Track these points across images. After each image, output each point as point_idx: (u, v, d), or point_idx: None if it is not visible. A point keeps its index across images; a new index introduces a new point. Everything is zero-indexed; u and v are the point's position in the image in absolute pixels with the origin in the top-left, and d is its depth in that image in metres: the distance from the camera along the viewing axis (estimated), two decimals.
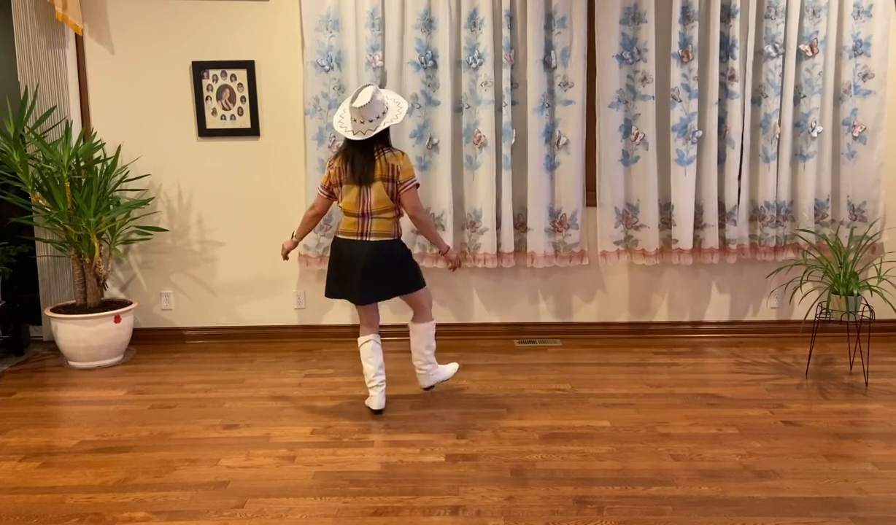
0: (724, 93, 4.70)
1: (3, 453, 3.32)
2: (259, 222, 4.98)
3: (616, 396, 3.92)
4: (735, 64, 4.64)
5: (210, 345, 5.03)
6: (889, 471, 3.02)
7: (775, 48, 4.64)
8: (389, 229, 3.60)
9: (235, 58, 4.83)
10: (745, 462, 3.11)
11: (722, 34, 4.66)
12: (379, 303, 3.83)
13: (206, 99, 4.85)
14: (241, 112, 4.87)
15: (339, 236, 3.64)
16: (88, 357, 4.54)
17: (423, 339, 3.82)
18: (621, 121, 4.78)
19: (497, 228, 4.80)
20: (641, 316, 5.08)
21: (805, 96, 4.71)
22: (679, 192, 4.74)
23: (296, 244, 3.83)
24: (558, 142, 4.79)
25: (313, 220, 3.78)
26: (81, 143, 4.73)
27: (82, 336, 4.49)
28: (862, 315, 4.06)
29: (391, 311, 5.07)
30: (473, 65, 4.68)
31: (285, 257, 3.86)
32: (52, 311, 4.60)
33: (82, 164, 4.66)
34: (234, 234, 5.01)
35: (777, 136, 4.72)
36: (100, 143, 4.77)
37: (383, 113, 3.54)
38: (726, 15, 4.65)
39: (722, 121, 4.74)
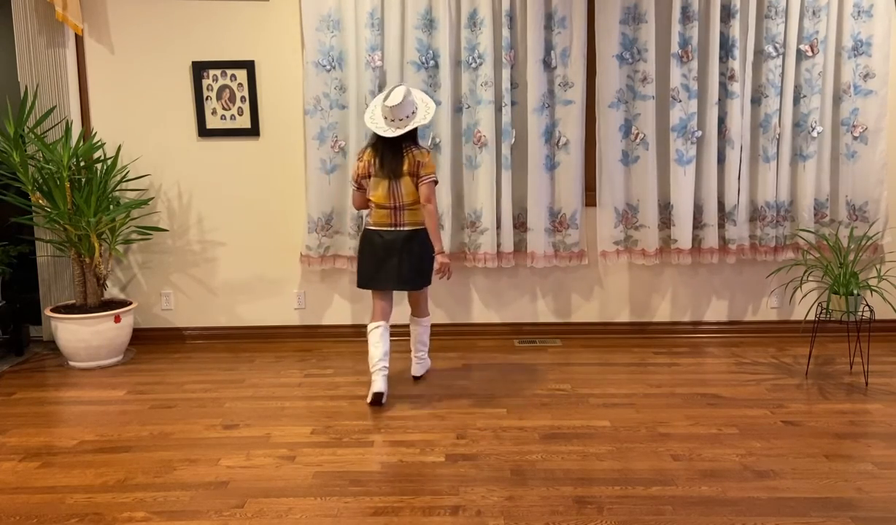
0: (724, 93, 4.70)
1: (3, 453, 3.32)
2: (259, 222, 4.99)
3: (616, 396, 3.92)
4: (735, 64, 4.64)
5: (210, 345, 5.03)
6: (889, 471, 3.02)
7: (775, 48, 4.65)
8: (420, 219, 3.87)
9: (235, 58, 4.83)
10: (745, 462, 3.11)
11: (722, 34, 4.66)
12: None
13: (206, 99, 4.85)
14: (241, 112, 4.87)
15: (372, 227, 3.88)
16: (88, 357, 4.55)
17: (426, 331, 4.19)
18: (621, 121, 4.78)
19: (497, 228, 4.80)
20: (641, 316, 5.08)
21: (805, 96, 4.71)
22: (679, 192, 4.75)
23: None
24: (558, 142, 4.79)
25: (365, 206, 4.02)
26: (81, 143, 4.73)
27: (82, 336, 4.49)
28: (862, 315, 4.06)
29: (394, 310, 5.06)
30: (473, 65, 4.68)
31: None
32: (52, 311, 4.60)
33: (82, 164, 4.66)
34: (234, 234, 5.01)
35: (777, 136, 4.72)
36: (100, 143, 4.77)
37: (413, 112, 3.77)
38: (726, 15, 4.65)
39: (722, 121, 4.74)
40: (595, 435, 3.42)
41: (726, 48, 4.67)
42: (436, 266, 3.90)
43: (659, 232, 4.88)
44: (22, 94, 4.70)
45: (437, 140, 4.73)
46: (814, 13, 4.63)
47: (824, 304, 4.15)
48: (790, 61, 4.66)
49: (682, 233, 4.78)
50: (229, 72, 4.83)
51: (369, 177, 3.85)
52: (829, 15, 4.63)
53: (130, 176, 4.90)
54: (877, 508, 2.72)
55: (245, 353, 4.82)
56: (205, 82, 4.84)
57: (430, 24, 4.68)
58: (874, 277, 4.37)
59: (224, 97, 4.86)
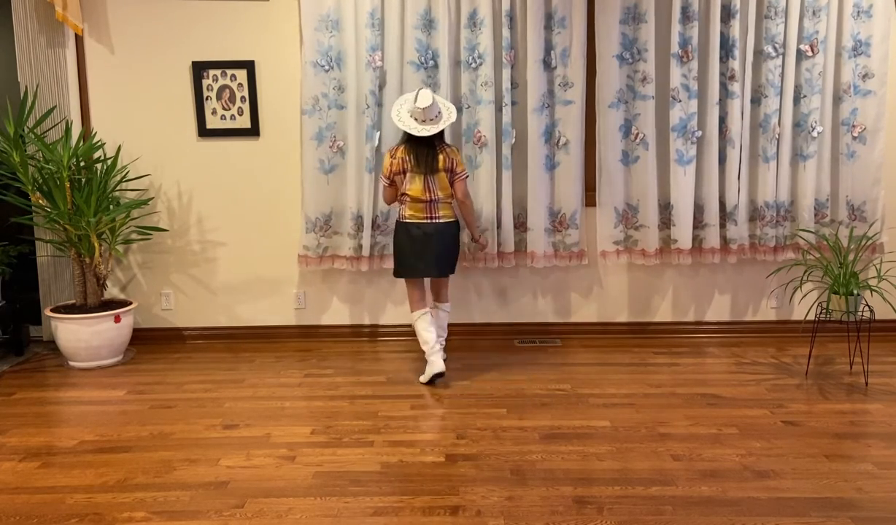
0: (724, 93, 4.70)
1: (3, 453, 3.33)
2: (259, 222, 4.99)
3: (616, 396, 3.92)
4: (735, 64, 4.64)
5: (210, 345, 5.03)
6: (889, 471, 3.02)
7: (775, 48, 4.65)
8: (452, 212, 4.22)
9: (235, 58, 4.83)
10: (745, 462, 3.11)
11: (722, 34, 4.66)
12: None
13: (206, 99, 4.85)
14: (241, 112, 4.87)
15: (407, 220, 4.16)
16: (88, 357, 4.55)
17: (448, 316, 4.45)
18: (621, 121, 4.78)
19: (497, 228, 4.80)
20: (641, 316, 5.08)
21: (805, 96, 4.71)
22: (679, 192, 4.75)
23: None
24: (558, 142, 4.79)
25: (395, 204, 4.36)
26: (81, 143, 4.73)
27: (82, 336, 4.49)
28: (862, 315, 4.06)
29: (392, 310, 5.07)
30: (473, 65, 4.68)
31: None
32: (52, 311, 4.60)
33: (82, 164, 4.66)
34: (234, 234, 5.01)
35: (777, 136, 4.72)
36: (100, 143, 4.77)
37: (439, 113, 4.09)
38: (726, 15, 4.65)
39: (722, 121, 4.74)
40: (595, 435, 3.42)
41: (726, 48, 4.67)
42: (481, 246, 4.48)
43: (659, 232, 4.88)
44: (22, 94, 4.70)
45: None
46: (814, 13, 4.63)
47: (824, 304, 4.15)
48: (790, 61, 4.66)
49: (683, 233, 4.78)
50: (229, 72, 4.83)
51: (403, 173, 4.12)
52: (828, 15, 4.63)
53: (130, 176, 4.90)
54: (877, 508, 2.72)
55: (245, 353, 4.82)
56: (205, 82, 4.84)
57: (429, 24, 4.68)
58: (874, 277, 4.37)
59: (224, 97, 4.86)
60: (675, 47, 4.64)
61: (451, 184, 4.16)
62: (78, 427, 3.62)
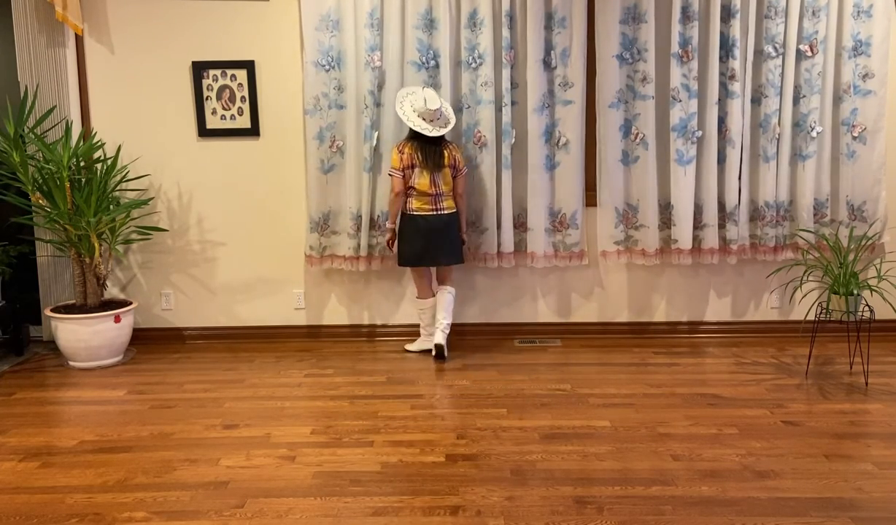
0: (724, 93, 4.70)
1: (3, 453, 3.33)
2: (259, 222, 4.99)
3: (616, 396, 3.92)
4: (735, 64, 4.64)
5: (210, 345, 5.03)
6: (889, 471, 3.02)
7: (775, 48, 4.65)
8: (452, 204, 4.54)
9: (235, 58, 4.83)
10: (745, 462, 3.11)
11: (722, 34, 4.66)
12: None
13: (206, 99, 4.85)
14: (241, 112, 4.87)
15: (415, 212, 4.47)
16: (88, 357, 4.55)
17: (453, 299, 4.68)
18: (621, 121, 4.78)
19: (497, 228, 4.80)
20: (641, 316, 5.08)
21: (805, 96, 4.71)
22: (679, 192, 4.75)
23: (395, 230, 4.60)
24: (558, 142, 4.79)
25: (399, 200, 4.50)
26: (81, 143, 4.73)
27: (82, 336, 4.49)
28: (862, 315, 4.06)
29: (392, 310, 5.07)
30: (473, 65, 4.68)
31: (391, 246, 4.67)
32: (52, 311, 4.60)
33: (82, 164, 4.66)
34: (234, 234, 5.01)
35: (777, 135, 4.72)
36: (100, 143, 4.77)
37: (443, 113, 4.44)
38: (726, 15, 4.65)
39: (722, 121, 4.74)
40: (595, 435, 3.42)
41: (726, 48, 4.67)
42: (462, 240, 4.66)
43: (659, 232, 4.88)
44: (22, 94, 4.71)
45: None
46: (813, 13, 4.63)
47: (824, 304, 4.15)
48: (790, 61, 4.65)
49: (683, 233, 4.78)
50: (229, 72, 4.83)
51: (411, 168, 4.43)
52: (828, 15, 4.63)
53: (130, 176, 4.90)
54: (877, 508, 2.72)
55: (245, 353, 4.82)
56: (205, 82, 4.84)
57: (429, 24, 4.68)
58: (874, 277, 4.37)
59: (224, 97, 4.86)
60: (675, 47, 4.64)
61: (454, 179, 4.52)
62: (78, 427, 3.62)
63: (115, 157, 4.70)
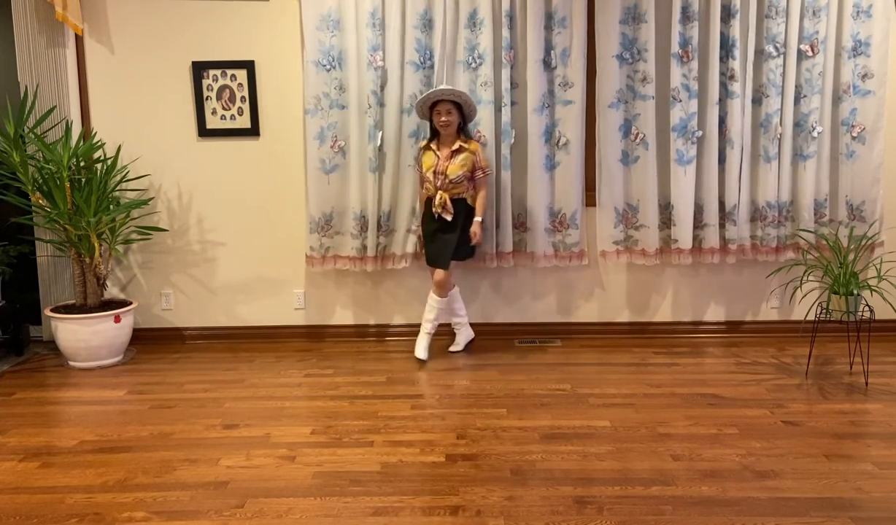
0: (725, 93, 4.70)
1: (3, 453, 3.32)
2: (259, 222, 4.99)
3: (616, 396, 3.92)
4: (735, 64, 4.64)
5: (210, 345, 5.03)
6: (889, 471, 3.02)
7: (776, 48, 4.65)
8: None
9: (235, 58, 4.83)
10: (745, 462, 3.11)
11: (722, 34, 4.66)
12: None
13: (206, 99, 4.85)
14: (241, 112, 4.87)
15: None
16: (88, 357, 4.55)
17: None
18: (621, 121, 4.78)
19: (497, 228, 4.80)
20: (641, 316, 5.08)
21: (805, 96, 4.71)
22: (679, 192, 4.75)
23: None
24: (558, 142, 4.79)
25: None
26: (81, 143, 4.73)
27: (82, 336, 4.49)
28: (862, 315, 4.06)
29: (392, 310, 5.07)
30: (473, 65, 4.68)
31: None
32: (52, 311, 4.60)
33: (82, 164, 4.66)
34: (234, 234, 5.01)
35: (777, 135, 4.72)
36: (100, 143, 4.77)
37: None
38: (726, 15, 4.65)
39: (722, 121, 4.74)
40: (595, 435, 3.42)
41: (726, 48, 4.67)
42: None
43: (659, 232, 4.88)
44: (22, 94, 4.70)
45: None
46: (814, 13, 4.63)
47: (824, 305, 4.15)
48: (790, 61, 4.66)
49: (683, 233, 4.78)
50: (229, 72, 4.83)
51: None
52: (829, 15, 4.63)
53: (130, 176, 4.90)
54: (877, 508, 2.72)
55: (245, 353, 4.82)
56: (205, 82, 4.84)
57: (429, 23, 4.68)
58: (874, 277, 4.37)
59: (224, 97, 4.86)
60: (675, 47, 4.64)
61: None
62: (78, 427, 3.62)
63: (115, 157, 4.70)
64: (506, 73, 4.66)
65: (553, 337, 5.04)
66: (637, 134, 4.77)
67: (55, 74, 4.77)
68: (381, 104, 4.71)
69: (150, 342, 5.05)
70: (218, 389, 4.13)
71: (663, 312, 5.07)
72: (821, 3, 4.61)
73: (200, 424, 3.62)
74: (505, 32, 4.63)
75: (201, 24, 4.81)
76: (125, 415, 3.77)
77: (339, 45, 4.71)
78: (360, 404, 3.86)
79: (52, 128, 4.75)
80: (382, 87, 4.70)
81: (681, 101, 4.68)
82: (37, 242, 4.91)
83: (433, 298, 4.55)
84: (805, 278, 4.66)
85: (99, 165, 4.69)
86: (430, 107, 4.44)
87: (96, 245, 4.56)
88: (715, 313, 5.07)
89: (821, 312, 4.16)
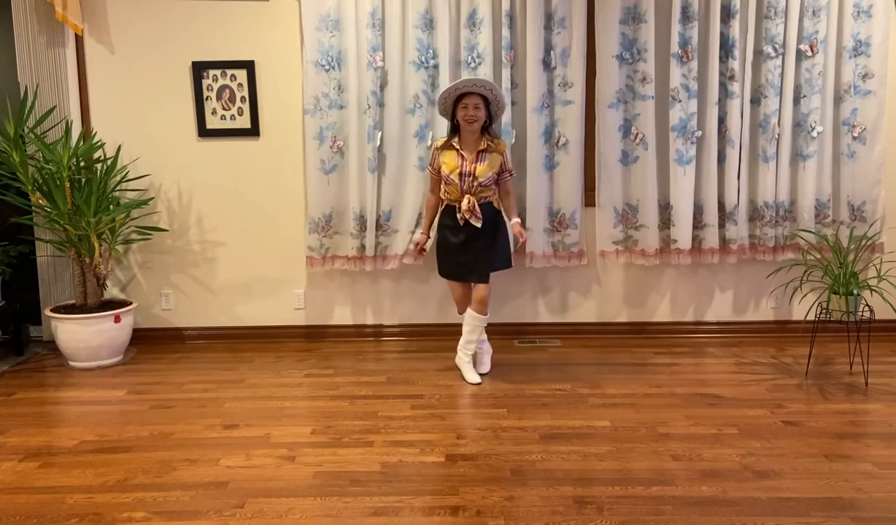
0: (724, 93, 4.70)
1: (3, 453, 3.33)
2: (259, 222, 4.98)
3: (616, 396, 3.92)
4: (735, 64, 4.64)
5: (210, 345, 5.03)
6: (889, 471, 3.02)
7: (775, 48, 4.65)
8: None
9: (235, 58, 4.83)
10: (745, 462, 3.11)
11: (722, 34, 4.66)
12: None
13: (206, 99, 4.85)
14: (241, 112, 4.87)
15: None
16: (88, 357, 4.55)
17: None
18: (621, 121, 4.78)
19: None
20: (641, 316, 5.08)
21: (805, 96, 4.71)
22: (678, 192, 4.75)
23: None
24: (558, 142, 4.79)
25: None
26: (81, 143, 4.73)
27: (82, 336, 4.49)
28: (862, 315, 4.06)
29: (392, 310, 5.07)
30: (473, 65, 4.68)
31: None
32: (52, 311, 4.60)
33: (82, 164, 4.66)
34: (234, 234, 5.01)
35: (777, 136, 4.72)
36: (100, 143, 4.77)
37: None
38: (726, 15, 4.65)
39: (721, 121, 4.74)
40: (595, 435, 3.42)
41: (726, 48, 4.67)
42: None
43: (659, 232, 4.88)
44: (22, 94, 4.70)
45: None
46: (813, 13, 4.63)
47: (824, 305, 4.15)
48: (790, 61, 4.66)
49: (682, 233, 4.78)
50: (229, 72, 4.83)
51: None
52: (828, 15, 4.63)
53: (130, 176, 4.90)
54: (877, 508, 2.72)
55: (245, 353, 4.82)
56: (205, 82, 4.84)
57: (429, 23, 4.68)
58: (874, 277, 4.37)
59: (224, 97, 4.86)
60: (674, 47, 4.64)
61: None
62: (78, 427, 3.62)
63: (115, 157, 4.70)
64: (505, 73, 4.66)
65: (553, 337, 5.04)
66: (637, 134, 4.77)
67: (55, 74, 4.77)
68: (381, 104, 4.71)
69: (150, 342, 5.04)
70: (218, 389, 4.13)
71: (663, 312, 5.07)
72: (821, 3, 4.61)
73: (200, 424, 3.62)
74: (505, 32, 4.63)
75: (201, 24, 4.81)
76: (125, 415, 3.77)
77: (338, 45, 4.71)
78: (360, 404, 3.86)
79: (52, 128, 4.75)
80: (382, 88, 4.70)
81: (680, 101, 4.68)
82: (37, 242, 4.91)
83: (476, 317, 4.13)
84: (805, 278, 4.66)
85: (99, 165, 4.69)
86: (454, 101, 4.00)
87: (96, 245, 4.56)
88: (715, 313, 5.07)
89: (821, 312, 4.16)
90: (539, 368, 4.42)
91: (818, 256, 4.47)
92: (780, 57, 4.66)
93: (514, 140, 4.75)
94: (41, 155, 4.60)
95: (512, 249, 4.34)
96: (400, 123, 4.72)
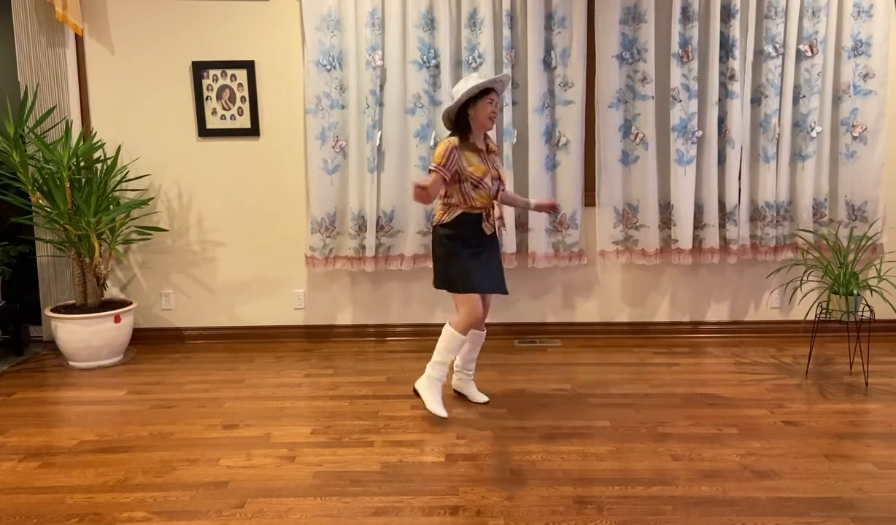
0: (724, 93, 4.70)
1: (3, 453, 3.32)
2: (259, 222, 4.99)
3: (616, 396, 3.92)
4: (735, 64, 4.64)
5: (210, 345, 5.03)
6: (889, 471, 3.02)
7: (775, 48, 4.65)
8: (439, 214, 3.66)
9: (235, 58, 4.83)
10: (745, 462, 3.11)
11: (722, 34, 4.66)
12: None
13: (206, 99, 4.85)
14: (241, 112, 4.87)
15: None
16: (88, 357, 4.55)
17: (442, 340, 3.68)
18: (621, 121, 4.78)
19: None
20: (641, 316, 5.08)
21: (805, 96, 4.71)
22: (679, 192, 4.75)
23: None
24: (558, 142, 4.79)
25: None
26: (81, 143, 4.73)
27: (82, 336, 4.49)
28: (862, 315, 4.06)
29: (392, 310, 5.07)
30: (474, 65, 4.68)
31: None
32: (52, 311, 4.60)
33: (82, 164, 4.66)
34: (234, 234, 5.01)
35: (777, 135, 4.72)
36: (100, 143, 4.77)
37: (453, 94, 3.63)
38: (726, 15, 4.65)
39: (722, 121, 4.74)
40: (595, 435, 3.42)
41: (726, 48, 4.67)
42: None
43: (659, 232, 4.88)
44: (22, 94, 4.70)
45: (438, 140, 4.73)
46: (813, 13, 4.63)
47: (824, 304, 4.15)
48: (790, 61, 4.66)
49: (683, 233, 4.78)
50: (229, 72, 4.83)
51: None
52: (828, 15, 4.63)
53: (130, 176, 4.90)
54: (877, 508, 2.72)
55: (245, 353, 4.82)
56: (205, 82, 4.84)
57: (430, 23, 4.68)
58: (874, 277, 4.37)
59: (224, 97, 4.86)
60: (675, 47, 4.64)
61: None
62: (78, 427, 3.62)
63: (115, 157, 4.70)
64: (506, 73, 4.66)
65: (553, 337, 5.04)
66: (637, 134, 4.77)
67: (55, 74, 4.77)
68: (380, 104, 4.71)
69: (150, 342, 5.05)
70: (218, 389, 4.13)
71: (663, 312, 5.07)
72: (821, 3, 4.61)
73: (200, 424, 3.62)
74: (505, 32, 4.63)
75: (201, 24, 4.81)
76: (125, 415, 3.77)
77: (339, 44, 4.71)
78: (360, 404, 3.86)
79: (52, 128, 4.75)
80: (382, 87, 4.70)
81: (680, 101, 4.68)
82: (37, 242, 4.91)
83: (479, 335, 3.80)
84: (805, 278, 4.66)
85: (99, 165, 4.69)
86: (468, 99, 3.57)
87: (96, 245, 4.56)
88: (715, 313, 5.07)
89: (821, 312, 4.16)
90: (539, 368, 4.42)
91: (818, 256, 4.47)
92: (781, 57, 4.66)
93: (515, 140, 4.75)
94: (41, 155, 4.60)
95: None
96: (400, 123, 4.72)
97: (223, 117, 4.88)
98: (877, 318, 4.44)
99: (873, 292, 4.30)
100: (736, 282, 5.04)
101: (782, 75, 4.68)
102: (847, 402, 3.80)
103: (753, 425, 3.50)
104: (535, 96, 4.69)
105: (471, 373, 3.89)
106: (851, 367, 4.35)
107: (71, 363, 4.61)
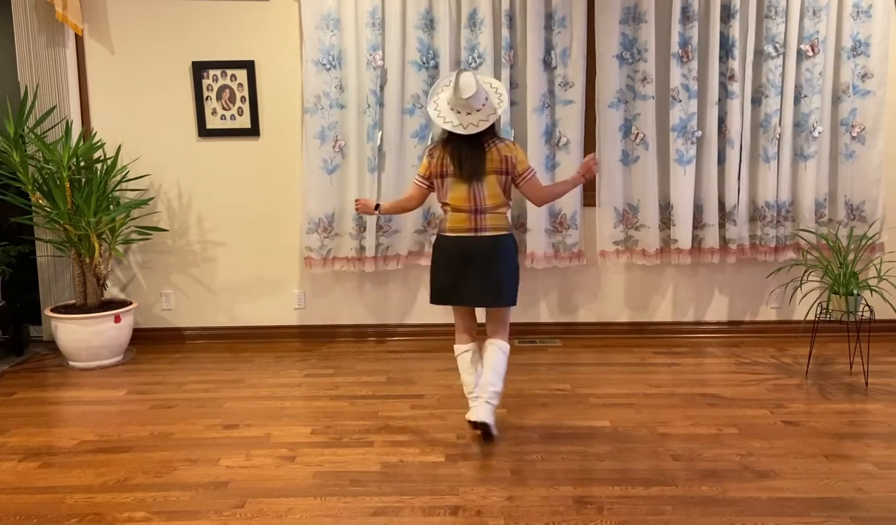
0: (724, 93, 4.70)
1: (3, 453, 3.32)
2: (259, 222, 4.98)
3: (616, 396, 3.92)
4: (735, 64, 4.64)
5: (210, 345, 5.03)
6: (889, 471, 3.02)
7: (775, 48, 4.65)
8: (504, 223, 3.35)
9: (235, 58, 4.83)
10: (745, 462, 3.11)
11: (722, 34, 4.66)
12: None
13: (206, 99, 4.85)
14: (241, 112, 4.87)
15: (448, 234, 3.33)
16: (88, 357, 4.54)
17: (504, 358, 3.38)
18: (621, 121, 4.78)
19: None
20: (641, 316, 5.08)
21: (805, 96, 4.71)
22: (679, 192, 4.75)
23: (375, 211, 3.50)
24: (558, 142, 4.79)
25: (403, 209, 3.56)
26: (81, 143, 4.73)
27: (82, 336, 4.49)
28: (862, 315, 4.05)
29: (392, 310, 5.07)
30: (473, 65, 4.68)
31: (359, 209, 3.53)
32: (52, 311, 4.60)
33: (82, 164, 4.66)
34: (234, 234, 5.01)
35: (777, 136, 4.72)
36: (100, 143, 4.77)
37: (486, 101, 3.27)
38: (726, 15, 4.65)
39: (722, 121, 4.74)
40: (595, 435, 3.42)
41: (726, 48, 4.67)
42: (589, 171, 3.41)
43: (659, 232, 4.88)
44: (22, 94, 4.70)
45: (436, 140, 4.73)
46: (814, 13, 4.63)
47: (824, 305, 4.15)
48: (790, 61, 4.65)
49: (683, 233, 4.78)
50: (229, 72, 4.83)
51: (442, 177, 3.33)
52: (828, 15, 4.63)
53: (130, 176, 4.90)
54: (877, 508, 2.72)
55: (245, 353, 4.82)
56: (205, 82, 4.84)
57: (430, 23, 4.68)
58: (874, 277, 4.37)
59: (224, 97, 4.86)
60: (675, 47, 4.64)
61: (515, 187, 3.37)
62: (78, 427, 3.62)
63: (115, 157, 4.70)
64: (506, 73, 4.66)
65: (553, 337, 5.04)
66: (637, 134, 4.77)
67: (55, 74, 4.77)
68: (381, 104, 4.71)
69: (150, 342, 5.04)
70: (218, 389, 4.13)
71: (663, 312, 5.07)
72: (821, 3, 4.61)
73: (200, 424, 3.62)
74: (505, 32, 4.63)
75: (201, 24, 4.81)
76: (125, 415, 3.77)
77: (338, 44, 4.71)
78: (360, 404, 3.86)
79: (52, 128, 4.75)
80: (382, 87, 4.70)
81: (680, 101, 4.68)
82: (37, 242, 4.91)
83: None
84: (805, 278, 4.66)
85: (99, 165, 4.69)
86: None
87: (96, 245, 4.56)
88: (715, 313, 5.07)
89: (821, 312, 4.16)
90: (539, 368, 4.42)
91: (818, 256, 4.47)
92: (781, 57, 4.66)
93: (513, 140, 4.75)
94: (41, 155, 4.60)
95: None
96: (400, 123, 4.72)
97: (223, 117, 4.88)
98: (877, 318, 4.43)
99: (873, 292, 4.30)
100: (736, 282, 5.04)
101: (783, 75, 4.67)
102: (847, 402, 3.80)
103: (753, 425, 3.50)
104: (534, 96, 4.69)
105: (484, 397, 3.34)
106: (851, 367, 4.35)
107: (71, 363, 4.61)
